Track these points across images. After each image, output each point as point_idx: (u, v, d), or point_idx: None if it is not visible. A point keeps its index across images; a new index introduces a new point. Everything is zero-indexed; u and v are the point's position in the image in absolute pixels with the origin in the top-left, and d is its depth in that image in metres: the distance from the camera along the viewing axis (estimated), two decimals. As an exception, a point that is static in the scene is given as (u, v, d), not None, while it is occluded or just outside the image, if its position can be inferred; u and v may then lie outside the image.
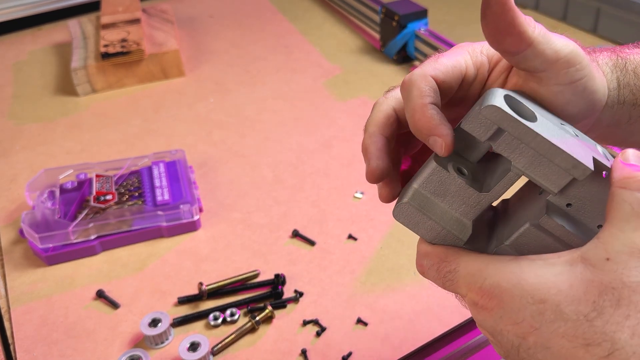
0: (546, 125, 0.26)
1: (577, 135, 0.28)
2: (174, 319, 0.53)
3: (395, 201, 0.31)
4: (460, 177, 0.28)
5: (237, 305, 0.54)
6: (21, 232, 0.63)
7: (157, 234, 0.62)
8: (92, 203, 0.62)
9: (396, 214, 0.30)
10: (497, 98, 0.26)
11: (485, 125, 0.26)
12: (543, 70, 0.29)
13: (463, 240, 0.29)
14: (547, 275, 0.25)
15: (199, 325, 0.53)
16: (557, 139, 0.25)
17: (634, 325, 0.24)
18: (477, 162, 0.29)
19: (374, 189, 0.68)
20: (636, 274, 0.24)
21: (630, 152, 0.26)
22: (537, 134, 0.25)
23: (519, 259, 0.27)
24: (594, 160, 0.26)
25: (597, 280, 0.24)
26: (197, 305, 0.55)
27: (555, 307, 0.25)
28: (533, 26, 0.29)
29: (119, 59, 0.91)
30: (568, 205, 0.27)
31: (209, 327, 0.52)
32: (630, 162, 0.26)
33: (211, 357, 0.49)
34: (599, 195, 0.27)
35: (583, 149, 0.26)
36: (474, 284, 0.28)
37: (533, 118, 0.26)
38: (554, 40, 0.29)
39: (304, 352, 0.49)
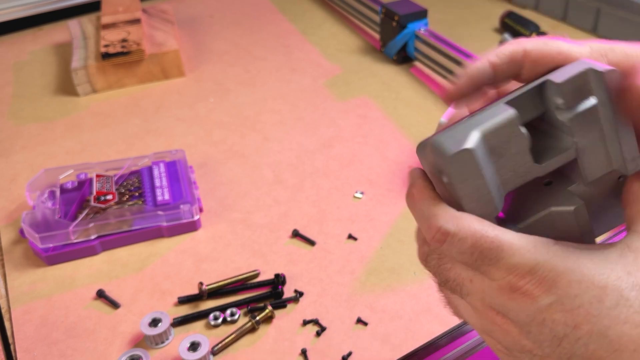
0: None
1: None
2: (174, 319, 0.53)
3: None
4: (528, 140, 0.24)
5: (237, 305, 0.54)
6: (21, 232, 0.63)
7: (157, 234, 0.63)
8: (92, 203, 0.62)
9: (452, 157, 0.24)
10: (601, 66, 0.24)
11: (583, 89, 0.24)
12: None
13: (498, 211, 0.25)
14: (604, 261, 0.24)
15: (199, 325, 0.53)
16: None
17: None
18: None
19: (374, 189, 0.68)
20: None
21: None
22: (616, 114, 0.24)
23: (567, 244, 0.25)
24: None
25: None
26: (197, 305, 0.55)
27: (617, 292, 0.23)
28: None
29: (119, 59, 0.91)
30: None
31: (209, 327, 0.52)
32: None
33: (211, 356, 0.50)
34: (615, 196, 0.26)
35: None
36: (521, 266, 0.24)
37: None
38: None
39: (304, 352, 0.49)
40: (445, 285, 0.28)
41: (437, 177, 0.26)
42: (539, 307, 0.24)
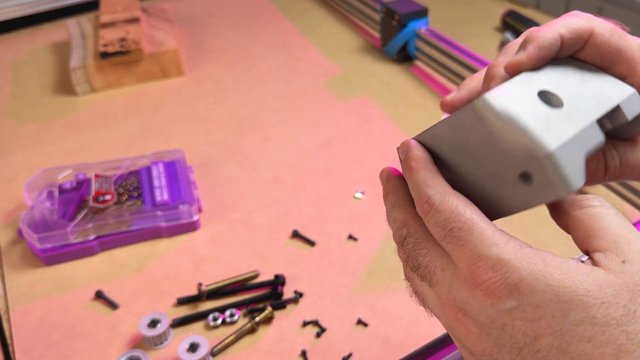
0: None
1: None
2: (173, 320, 0.52)
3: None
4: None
5: (237, 305, 0.53)
6: (20, 232, 0.63)
7: (156, 234, 0.62)
8: (91, 203, 0.62)
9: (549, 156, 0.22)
10: None
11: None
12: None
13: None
14: (572, 272, 0.23)
15: (199, 326, 0.53)
16: None
17: None
18: None
19: (374, 188, 0.68)
20: None
21: None
22: None
23: (540, 251, 0.24)
24: None
25: (624, 284, 0.23)
26: (197, 306, 0.54)
27: (582, 309, 0.22)
28: None
29: (118, 58, 0.91)
30: None
31: (209, 327, 0.52)
32: None
33: (210, 358, 0.49)
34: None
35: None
36: (486, 258, 0.23)
37: None
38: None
39: (303, 353, 0.49)
40: (417, 271, 0.27)
41: (461, 150, 0.25)
42: (500, 310, 0.23)
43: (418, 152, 0.28)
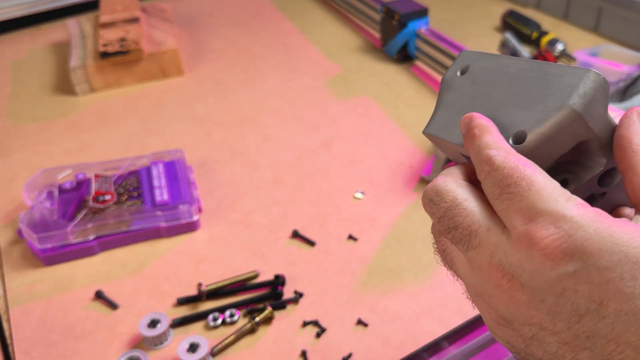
0: None
1: None
2: (173, 320, 0.52)
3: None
4: None
5: (237, 306, 0.53)
6: (19, 232, 0.63)
7: (156, 234, 0.62)
8: (90, 203, 0.62)
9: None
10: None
11: None
12: None
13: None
14: (639, 232, 0.21)
15: (198, 326, 0.53)
16: None
17: None
18: None
19: (374, 189, 0.68)
20: None
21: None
22: None
23: (604, 213, 0.22)
24: None
25: None
26: (197, 306, 0.54)
27: None
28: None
29: (118, 58, 0.90)
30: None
31: (209, 328, 0.52)
32: None
33: (210, 358, 0.49)
34: None
35: None
36: (546, 214, 0.21)
37: None
38: None
39: (303, 353, 0.49)
40: (453, 232, 0.25)
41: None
42: (561, 274, 0.21)
43: (481, 120, 0.26)
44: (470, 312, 0.52)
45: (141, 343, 0.51)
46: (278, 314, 0.53)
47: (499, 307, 0.24)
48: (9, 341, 0.52)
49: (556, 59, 0.92)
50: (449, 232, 0.25)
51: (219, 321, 0.52)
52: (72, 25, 1.05)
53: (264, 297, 0.54)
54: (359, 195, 0.67)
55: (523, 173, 0.22)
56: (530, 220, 0.22)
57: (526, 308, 0.22)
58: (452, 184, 0.25)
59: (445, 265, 0.27)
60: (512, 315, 0.23)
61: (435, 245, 0.27)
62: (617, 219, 0.21)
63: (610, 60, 0.82)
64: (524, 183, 0.22)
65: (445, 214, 0.25)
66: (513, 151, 0.24)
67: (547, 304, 0.22)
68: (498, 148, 0.24)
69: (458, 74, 0.27)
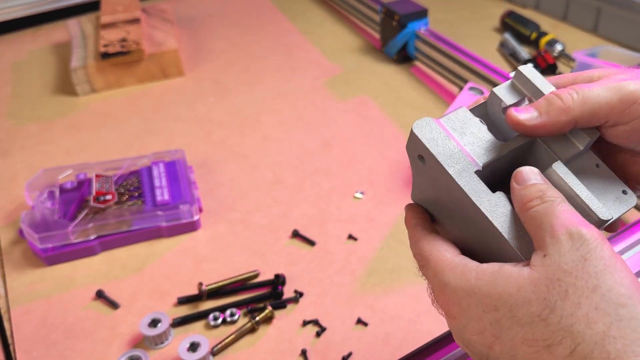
0: None
1: None
2: (173, 319, 0.52)
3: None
4: (480, 123, 0.30)
5: (237, 305, 0.54)
6: (21, 232, 0.63)
7: (156, 234, 0.62)
8: (91, 203, 0.62)
9: (418, 128, 0.29)
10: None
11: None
12: (605, 123, 0.28)
13: (474, 168, 0.28)
14: (498, 280, 0.25)
15: (199, 325, 0.53)
16: None
17: (587, 313, 0.22)
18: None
19: (373, 189, 0.68)
20: (571, 256, 0.23)
21: (524, 171, 0.27)
22: None
23: (471, 267, 0.26)
24: None
25: (542, 277, 0.24)
26: (197, 306, 0.55)
27: (508, 312, 0.24)
28: (565, 109, 0.28)
29: (119, 58, 0.91)
30: None
31: (209, 327, 0.52)
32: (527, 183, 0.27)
33: (211, 357, 0.49)
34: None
35: None
36: (436, 288, 0.28)
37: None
38: (590, 98, 0.28)
39: (303, 353, 0.49)
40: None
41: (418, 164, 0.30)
42: (461, 329, 0.26)
43: (407, 214, 0.32)
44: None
45: (142, 342, 0.51)
46: (278, 314, 0.53)
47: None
48: (10, 340, 0.52)
49: (555, 59, 0.92)
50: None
51: (220, 320, 0.52)
52: (72, 26, 1.05)
53: (264, 297, 0.54)
54: (358, 195, 0.67)
55: (423, 254, 0.30)
56: (434, 293, 0.29)
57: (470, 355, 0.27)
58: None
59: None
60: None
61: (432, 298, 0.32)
62: (489, 269, 0.26)
63: (609, 61, 0.82)
64: (424, 263, 0.29)
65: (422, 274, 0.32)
66: (423, 237, 0.31)
67: (472, 352, 0.26)
68: (412, 239, 0.32)
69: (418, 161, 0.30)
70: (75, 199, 0.64)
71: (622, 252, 0.47)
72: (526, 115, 0.28)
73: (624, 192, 0.29)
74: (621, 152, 0.30)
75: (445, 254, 0.28)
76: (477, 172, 0.28)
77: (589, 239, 0.24)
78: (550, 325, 0.23)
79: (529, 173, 0.27)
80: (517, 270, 0.25)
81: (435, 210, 0.32)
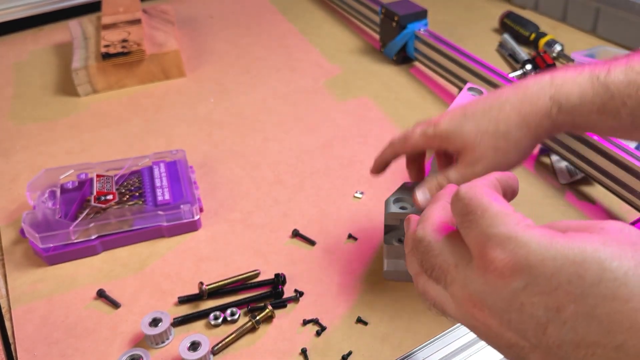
0: None
1: None
2: (174, 319, 0.53)
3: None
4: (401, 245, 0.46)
5: (238, 304, 0.54)
6: (22, 232, 0.63)
7: (157, 233, 0.63)
8: (92, 203, 0.62)
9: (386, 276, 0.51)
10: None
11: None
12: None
13: None
14: (578, 236, 0.22)
15: (200, 324, 0.53)
16: None
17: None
18: None
19: (374, 188, 0.69)
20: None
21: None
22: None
23: (550, 225, 0.24)
24: None
25: (622, 239, 0.22)
26: (198, 305, 0.55)
27: (597, 266, 0.21)
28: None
29: (120, 59, 0.91)
30: None
31: (210, 326, 0.53)
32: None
33: (211, 356, 0.50)
34: None
35: None
36: (494, 237, 0.23)
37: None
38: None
39: (304, 352, 0.49)
40: (431, 274, 0.27)
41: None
42: (514, 290, 0.22)
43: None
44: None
45: (143, 342, 0.51)
46: (278, 313, 0.53)
47: (484, 337, 0.25)
48: (11, 340, 0.53)
49: (554, 59, 0.93)
50: (430, 274, 0.27)
51: (220, 320, 0.52)
52: (74, 27, 1.06)
53: (264, 296, 0.55)
54: (358, 195, 0.68)
55: (480, 201, 0.24)
56: (483, 245, 0.24)
57: (500, 331, 0.23)
58: (427, 228, 0.28)
59: (441, 313, 0.28)
60: (495, 342, 0.24)
61: (426, 302, 0.29)
62: (559, 233, 0.23)
63: (608, 62, 0.82)
64: (479, 211, 0.24)
65: (423, 257, 0.28)
66: (478, 182, 0.26)
67: (514, 323, 0.23)
68: (466, 181, 0.27)
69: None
70: (77, 199, 0.65)
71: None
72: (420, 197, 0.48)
73: None
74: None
75: (503, 207, 0.25)
76: None
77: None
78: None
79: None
80: (590, 232, 0.23)
81: None
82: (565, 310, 0.21)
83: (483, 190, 0.25)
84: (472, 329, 0.26)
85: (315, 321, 0.52)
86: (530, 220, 0.24)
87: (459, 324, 0.50)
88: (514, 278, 0.22)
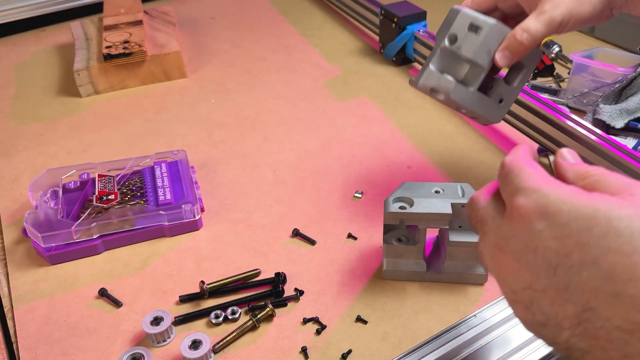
0: None
1: None
2: (175, 318, 0.53)
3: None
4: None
5: (238, 303, 0.54)
6: (24, 231, 0.64)
7: (159, 233, 0.63)
8: (94, 203, 0.62)
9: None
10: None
11: None
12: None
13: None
14: (596, 196, 0.26)
15: (201, 323, 0.53)
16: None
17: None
18: None
19: (373, 189, 0.69)
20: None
21: (565, 151, 0.31)
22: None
23: (572, 187, 0.27)
24: None
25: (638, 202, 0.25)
26: (199, 304, 0.55)
27: (606, 222, 0.24)
28: None
29: (121, 60, 0.91)
30: None
31: (210, 325, 0.53)
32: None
33: (212, 355, 0.50)
34: None
35: None
36: (523, 190, 0.28)
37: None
38: None
39: (304, 350, 0.50)
40: (475, 227, 0.32)
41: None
42: (531, 233, 0.26)
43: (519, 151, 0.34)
44: (467, 310, 0.53)
45: (144, 340, 0.52)
46: (279, 312, 0.54)
47: (506, 280, 0.29)
48: (13, 339, 0.53)
49: (552, 60, 0.93)
50: (475, 226, 0.32)
51: (221, 319, 0.53)
52: (75, 28, 1.06)
53: (265, 295, 0.55)
54: (358, 195, 0.68)
55: (518, 165, 0.29)
56: (513, 197, 0.28)
57: (518, 273, 0.27)
58: (479, 191, 0.33)
59: (481, 263, 0.34)
60: (513, 284, 0.28)
61: (479, 257, 0.34)
62: (582, 191, 0.26)
63: (606, 63, 0.83)
64: (515, 172, 0.29)
65: (471, 213, 0.33)
66: (519, 152, 0.31)
67: (530, 264, 0.26)
68: (512, 155, 0.31)
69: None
70: (79, 198, 0.65)
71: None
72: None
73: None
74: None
75: (536, 169, 0.29)
76: None
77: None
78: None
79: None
80: (610, 195, 0.26)
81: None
82: (573, 256, 0.25)
83: (522, 156, 0.30)
84: (497, 275, 0.29)
85: (315, 320, 0.52)
86: (556, 180, 0.28)
87: (458, 323, 0.51)
88: (532, 223, 0.26)
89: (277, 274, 0.56)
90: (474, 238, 0.50)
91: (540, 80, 0.91)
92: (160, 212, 0.62)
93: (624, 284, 0.23)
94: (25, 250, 0.63)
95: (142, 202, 0.64)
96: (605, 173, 0.28)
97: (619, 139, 0.68)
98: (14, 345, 0.52)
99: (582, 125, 0.65)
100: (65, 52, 1.08)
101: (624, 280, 0.23)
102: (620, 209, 0.24)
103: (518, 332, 0.49)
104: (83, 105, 0.91)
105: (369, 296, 0.55)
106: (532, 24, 0.47)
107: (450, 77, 0.50)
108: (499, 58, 0.49)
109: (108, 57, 0.91)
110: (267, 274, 0.58)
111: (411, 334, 0.51)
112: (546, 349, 0.47)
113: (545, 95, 0.85)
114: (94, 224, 0.61)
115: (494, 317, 0.51)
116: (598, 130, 0.63)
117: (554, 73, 0.93)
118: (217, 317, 0.53)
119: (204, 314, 0.54)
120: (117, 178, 0.67)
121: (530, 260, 0.26)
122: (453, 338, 0.50)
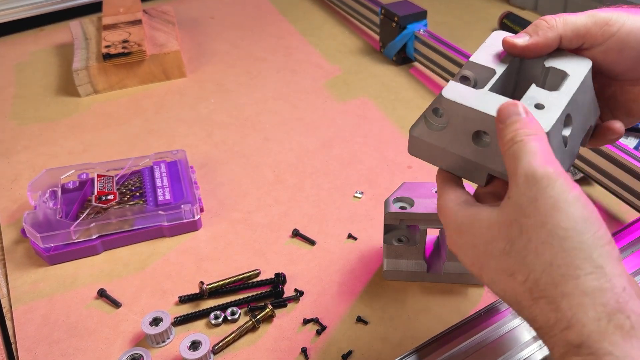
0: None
1: None
2: (175, 318, 0.53)
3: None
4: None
5: (238, 304, 0.54)
6: (23, 231, 0.63)
7: (158, 233, 0.63)
8: (93, 203, 0.62)
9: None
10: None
11: None
12: (583, 45, 0.35)
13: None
14: (474, 222, 0.31)
15: (200, 324, 0.53)
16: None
17: (536, 247, 0.27)
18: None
19: (373, 188, 0.69)
20: (524, 198, 0.28)
21: (503, 109, 0.31)
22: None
23: (476, 205, 0.32)
24: None
25: (505, 217, 0.29)
26: (198, 305, 0.55)
27: (484, 248, 0.30)
28: (550, 27, 0.35)
29: (121, 59, 0.91)
30: None
31: (210, 326, 0.53)
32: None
33: (212, 355, 0.50)
34: None
35: None
36: (450, 217, 0.33)
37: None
38: (571, 20, 0.35)
39: (304, 351, 0.49)
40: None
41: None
42: (462, 262, 0.33)
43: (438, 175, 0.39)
44: (467, 310, 0.52)
45: (143, 341, 0.52)
46: (279, 312, 0.53)
47: (499, 263, 0.31)
48: (12, 339, 0.53)
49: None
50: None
51: (221, 319, 0.53)
52: (74, 27, 1.06)
53: (264, 296, 0.55)
54: (358, 195, 0.68)
55: (444, 192, 0.36)
56: (444, 219, 0.35)
57: (505, 250, 0.30)
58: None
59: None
60: (500, 266, 0.30)
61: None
62: (481, 207, 0.32)
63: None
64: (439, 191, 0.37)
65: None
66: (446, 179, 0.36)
67: (504, 233, 0.30)
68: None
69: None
70: (78, 198, 0.65)
71: (620, 251, 0.47)
72: (519, 39, 0.35)
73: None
74: (611, 85, 0.38)
75: (449, 203, 0.33)
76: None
77: (540, 179, 0.27)
78: (510, 257, 0.28)
79: (507, 109, 0.30)
80: (489, 212, 0.30)
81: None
82: (483, 275, 0.31)
83: (443, 183, 0.35)
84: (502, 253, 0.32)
85: (315, 320, 0.52)
86: (461, 192, 0.34)
87: (458, 323, 0.51)
88: (457, 244, 0.33)
89: (277, 275, 0.56)
90: None
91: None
92: (160, 212, 0.62)
93: (554, 256, 0.27)
94: (24, 250, 0.62)
95: (142, 202, 0.64)
96: (519, 150, 0.29)
97: (620, 139, 0.68)
98: (13, 346, 0.52)
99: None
100: (65, 51, 1.08)
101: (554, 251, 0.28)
102: (489, 230, 0.30)
103: (520, 332, 0.49)
104: (82, 105, 0.91)
105: (369, 297, 0.55)
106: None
107: None
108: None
109: (107, 57, 0.91)
110: (267, 274, 0.58)
111: (412, 334, 0.51)
112: (547, 350, 0.47)
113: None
114: (93, 224, 0.60)
115: (495, 318, 0.51)
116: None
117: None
118: (216, 317, 0.53)
119: (203, 314, 0.53)
120: (116, 178, 0.67)
121: (504, 230, 0.30)
122: (454, 339, 0.49)
